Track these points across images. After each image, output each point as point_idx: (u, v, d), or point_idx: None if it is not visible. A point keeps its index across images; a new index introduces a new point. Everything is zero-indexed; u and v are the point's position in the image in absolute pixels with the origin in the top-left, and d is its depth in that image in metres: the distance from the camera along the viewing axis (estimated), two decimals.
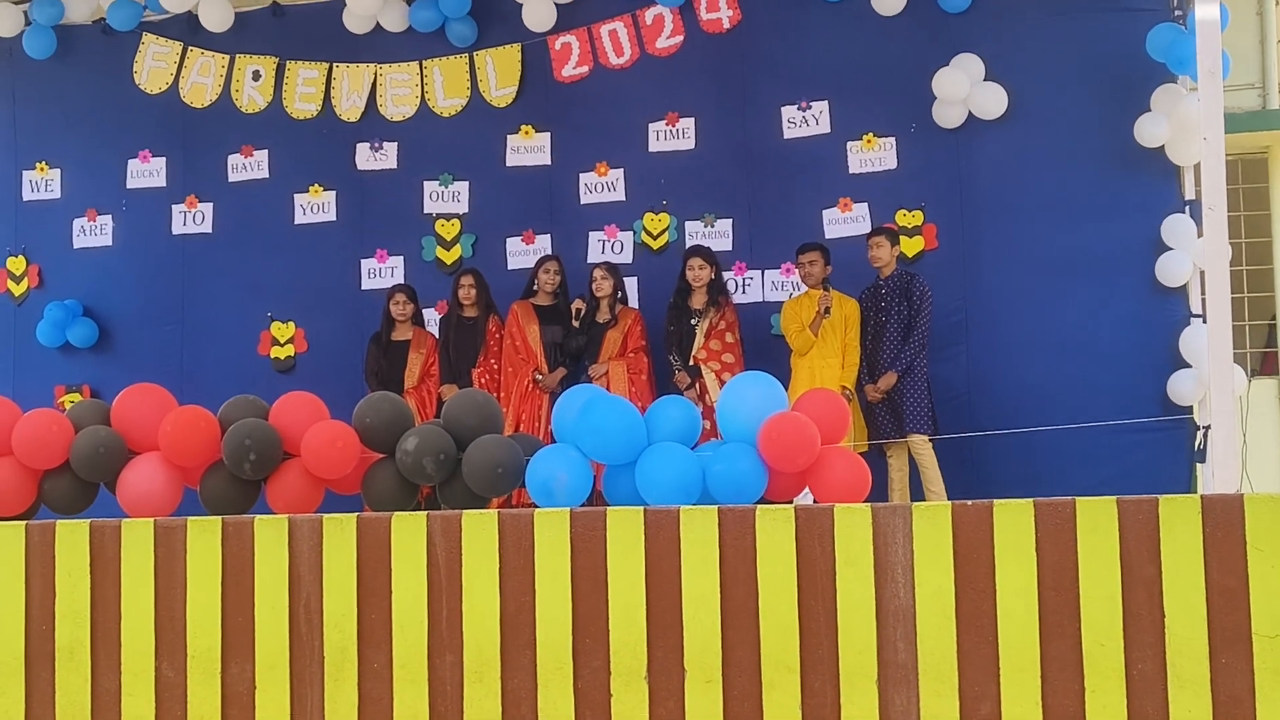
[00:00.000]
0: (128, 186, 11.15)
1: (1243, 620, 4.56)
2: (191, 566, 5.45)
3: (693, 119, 10.22)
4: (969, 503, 4.82)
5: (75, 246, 11.21)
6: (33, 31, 11.17)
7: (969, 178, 9.65)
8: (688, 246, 9.81)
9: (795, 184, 9.98)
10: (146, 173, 11.14)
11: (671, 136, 10.25)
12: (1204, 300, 8.81)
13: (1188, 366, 9.02)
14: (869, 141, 9.86)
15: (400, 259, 10.66)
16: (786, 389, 7.04)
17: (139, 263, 11.07)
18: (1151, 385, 9.15)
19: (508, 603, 5.13)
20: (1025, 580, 4.71)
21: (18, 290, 11.23)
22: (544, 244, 10.38)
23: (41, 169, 11.31)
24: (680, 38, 10.25)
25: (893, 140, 9.84)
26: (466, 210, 10.61)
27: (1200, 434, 8.84)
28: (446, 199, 10.63)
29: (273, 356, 10.76)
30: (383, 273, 10.65)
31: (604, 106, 10.40)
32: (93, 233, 11.19)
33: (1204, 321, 8.67)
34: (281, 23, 10.99)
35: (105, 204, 11.19)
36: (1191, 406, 9.04)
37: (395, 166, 10.75)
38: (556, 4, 10.33)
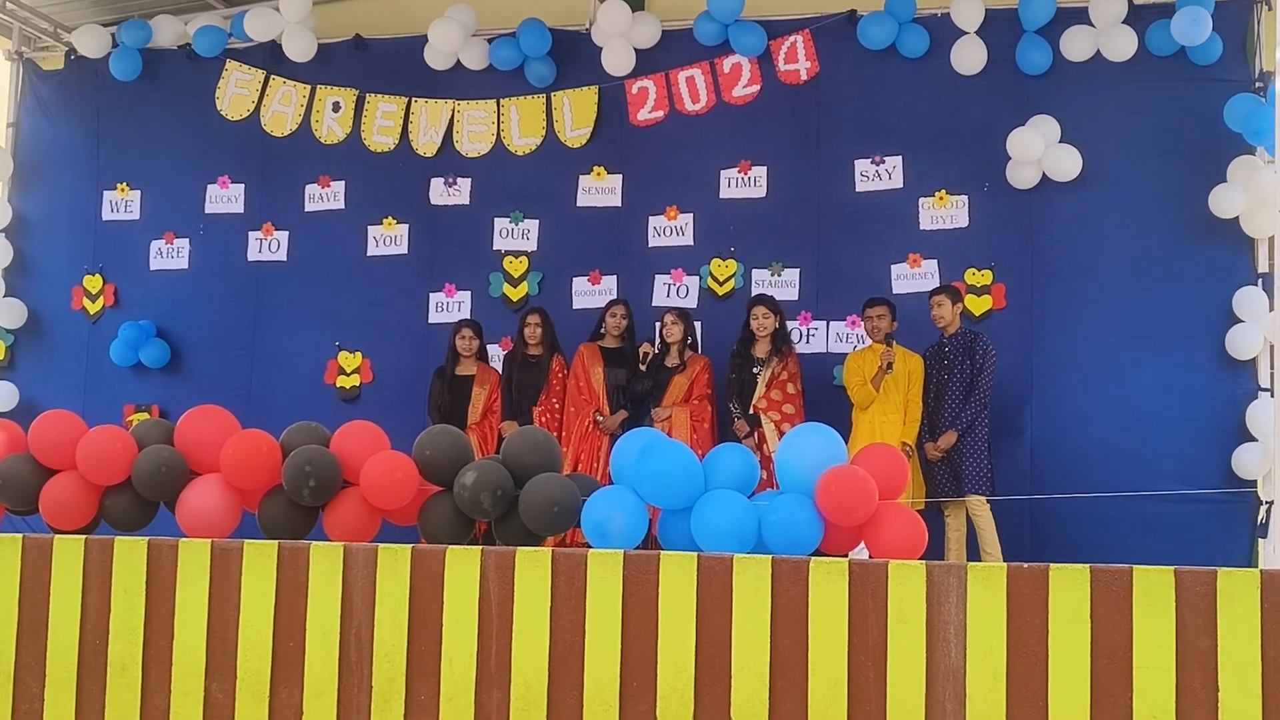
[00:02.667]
0: (206, 211, 11.29)
1: None
2: (246, 589, 5.49)
3: (765, 168, 10.26)
4: (1024, 565, 4.79)
5: (152, 268, 11.34)
6: (119, 54, 11.36)
7: (1040, 239, 9.63)
8: (753, 295, 9.81)
9: (865, 237, 9.99)
10: (225, 198, 11.27)
11: (743, 184, 10.28)
12: (1273, 374, 8.76)
13: (1254, 440, 8.94)
14: (941, 199, 9.85)
15: (468, 294, 10.72)
16: (847, 442, 7.04)
17: (213, 287, 11.18)
18: (1216, 457, 9.07)
19: (557, 641, 5.13)
20: (1078, 646, 4.67)
21: (93, 308, 11.37)
22: (610, 285, 10.43)
23: (122, 190, 11.46)
24: (757, 87, 10.29)
25: (965, 198, 9.82)
26: (535, 248, 10.66)
27: (1264, 509, 8.75)
28: (516, 236, 10.69)
29: (338, 386, 10.83)
30: (450, 307, 10.71)
31: (677, 151, 10.44)
32: (169, 255, 11.32)
33: (1272, 396, 8.59)
34: (363, 56, 11.11)
35: (183, 227, 11.32)
36: (1256, 481, 8.94)
37: (468, 202, 10.82)
38: (635, 49, 10.39)
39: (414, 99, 10.90)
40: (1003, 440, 9.21)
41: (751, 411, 9.26)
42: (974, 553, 8.82)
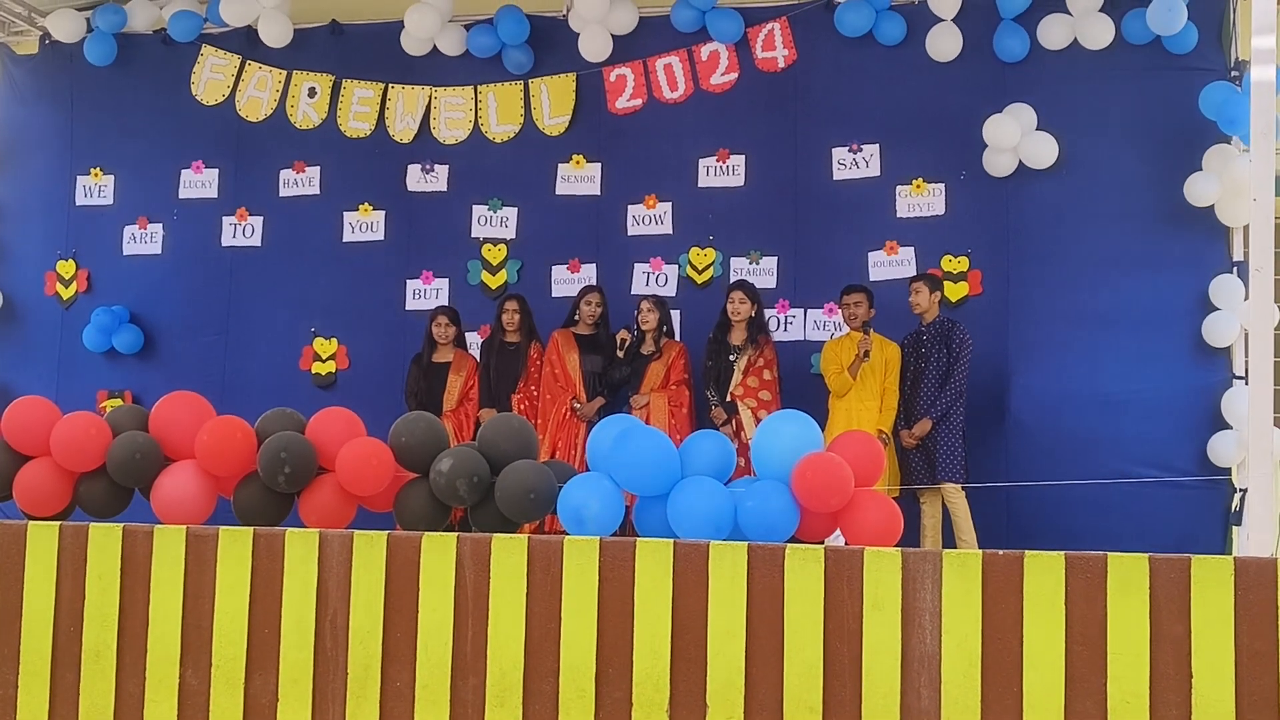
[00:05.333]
0: (180, 196, 11.23)
1: (1271, 685, 4.52)
2: (221, 576, 5.47)
3: (743, 156, 10.25)
4: (999, 552, 4.80)
5: (125, 253, 11.28)
6: (94, 38, 11.30)
7: (1017, 226, 9.64)
8: (732, 281, 9.82)
9: (842, 225, 9.99)
10: (199, 183, 11.22)
11: (721, 172, 10.28)
12: (1248, 362, 8.79)
13: (1229, 428, 8.97)
14: (918, 186, 9.86)
15: (446, 281, 10.69)
16: (823, 429, 7.04)
17: (187, 272, 11.13)
18: (1191, 445, 9.11)
19: (533, 628, 5.13)
20: (1053, 632, 4.68)
21: (66, 294, 11.32)
22: (589, 273, 10.41)
23: (95, 175, 11.41)
24: (735, 75, 10.29)
25: (942, 186, 9.84)
26: (514, 236, 10.64)
27: (1238, 496, 8.78)
28: (494, 224, 10.67)
29: (314, 372, 10.80)
30: (428, 294, 10.68)
31: (655, 139, 10.43)
32: (143, 240, 11.27)
33: (1247, 383, 8.62)
34: (339, 41, 11.06)
35: (157, 212, 11.27)
36: (1230, 468, 8.98)
37: (445, 189, 10.78)
38: (613, 36, 10.37)
39: (390, 85, 10.87)
40: (978, 427, 9.22)
41: (728, 399, 9.27)
42: (949, 540, 8.85)
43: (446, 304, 10.37)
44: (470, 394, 9.88)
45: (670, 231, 10.36)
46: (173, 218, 11.23)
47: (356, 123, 10.90)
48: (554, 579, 5.14)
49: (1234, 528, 8.88)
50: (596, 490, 5.94)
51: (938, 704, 4.75)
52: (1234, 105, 8.81)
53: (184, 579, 5.52)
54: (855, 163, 10.03)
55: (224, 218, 11.12)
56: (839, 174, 10.06)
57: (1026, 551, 4.78)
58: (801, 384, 9.69)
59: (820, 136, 10.12)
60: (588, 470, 6.26)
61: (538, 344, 9.89)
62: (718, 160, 10.29)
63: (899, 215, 9.91)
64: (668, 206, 10.38)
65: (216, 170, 11.19)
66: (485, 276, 10.62)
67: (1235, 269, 9.14)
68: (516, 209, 10.66)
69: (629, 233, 10.44)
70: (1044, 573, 4.72)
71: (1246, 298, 8.62)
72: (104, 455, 6.51)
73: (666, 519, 5.84)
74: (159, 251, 11.23)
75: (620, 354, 9.62)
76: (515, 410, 9.49)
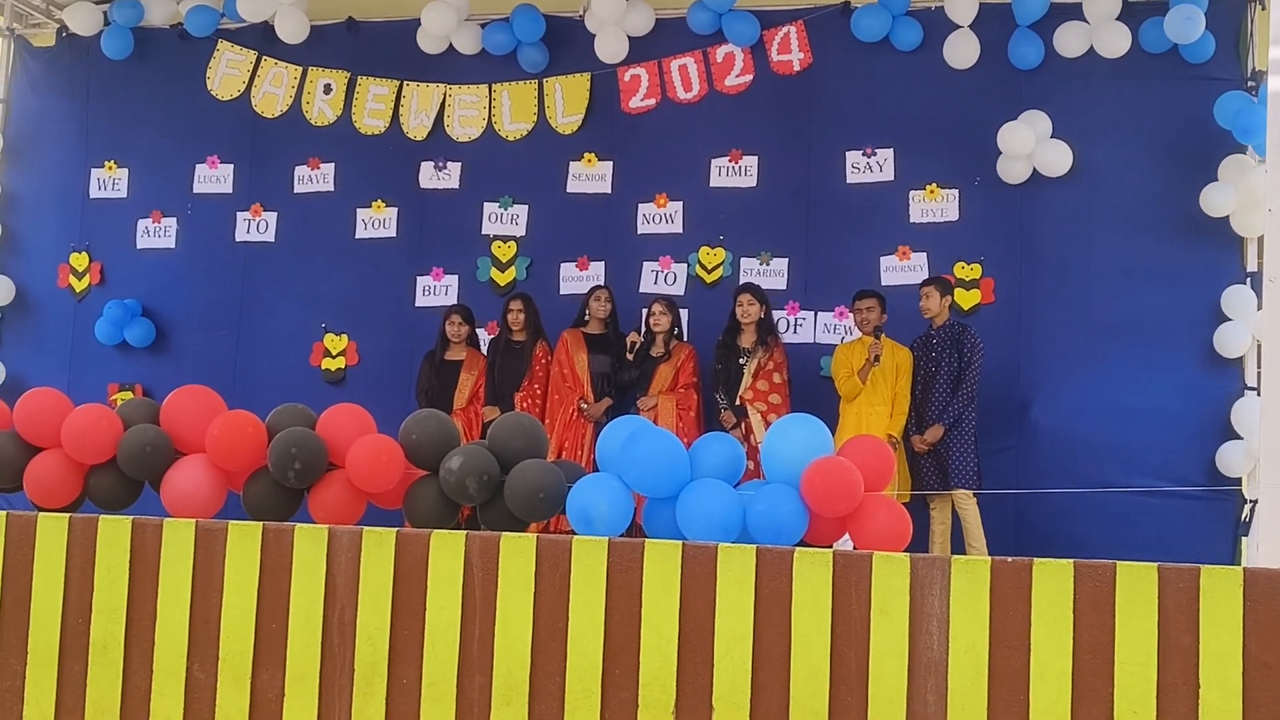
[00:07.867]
0: (194, 191, 11.25)
1: (1278, 697, 4.50)
2: (229, 570, 5.47)
3: (756, 157, 10.25)
4: (1008, 559, 4.79)
5: (138, 247, 11.31)
6: (111, 32, 11.32)
7: (1030, 234, 9.63)
8: (740, 283, 9.81)
9: (854, 229, 9.98)
10: (214, 178, 11.23)
11: (733, 173, 10.28)
12: (1260, 373, 8.77)
13: (1239, 438, 8.95)
14: (932, 192, 9.85)
15: (455, 278, 10.70)
16: (834, 433, 7.03)
17: (200, 267, 11.15)
18: (1202, 454, 9.10)
19: (540, 628, 5.12)
20: (1060, 641, 4.67)
21: (79, 286, 11.34)
22: (598, 271, 10.42)
23: (110, 168, 11.42)
24: (749, 77, 10.29)
25: (956, 192, 9.83)
26: (524, 233, 10.64)
27: (1247, 507, 8.77)
28: (505, 221, 10.67)
29: (324, 368, 10.81)
30: (437, 291, 10.69)
31: (668, 139, 10.43)
32: (157, 234, 11.28)
33: (1258, 394, 8.61)
34: (356, 38, 11.08)
35: (171, 206, 11.29)
36: (1240, 479, 8.97)
37: (457, 186, 10.80)
38: (629, 36, 10.37)
39: (405, 82, 10.88)
40: (990, 433, 9.20)
41: (738, 402, 9.26)
42: (958, 546, 8.84)
43: (460, 303, 10.36)
44: (480, 393, 9.88)
45: (680, 231, 10.37)
46: (187, 212, 11.26)
47: (371, 119, 10.91)
48: (562, 579, 5.12)
49: (1243, 538, 8.86)
50: (605, 491, 5.93)
51: (944, 710, 4.74)
52: (1248, 115, 8.80)
53: (192, 573, 5.51)
54: (869, 167, 10.03)
55: (238, 213, 11.14)
56: (852, 178, 10.06)
57: (1035, 559, 4.76)
58: (811, 387, 9.69)
59: (834, 140, 10.13)
60: (596, 470, 6.26)
61: (544, 343, 9.88)
62: (730, 161, 10.29)
63: (912, 220, 9.91)
64: (678, 206, 10.38)
65: (231, 166, 11.22)
66: (494, 273, 10.63)
67: (1248, 280, 9.13)
68: (527, 206, 10.67)
69: (639, 231, 10.45)
70: (1052, 581, 4.71)
71: (1259, 308, 8.60)
72: (115, 448, 6.50)
73: (675, 520, 5.84)
74: (172, 245, 11.26)
75: (630, 356, 9.60)
76: (518, 409, 9.48)
